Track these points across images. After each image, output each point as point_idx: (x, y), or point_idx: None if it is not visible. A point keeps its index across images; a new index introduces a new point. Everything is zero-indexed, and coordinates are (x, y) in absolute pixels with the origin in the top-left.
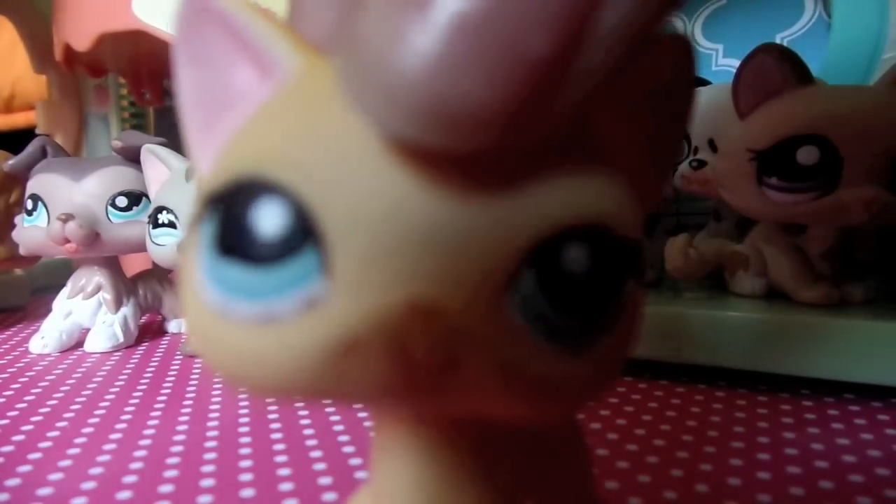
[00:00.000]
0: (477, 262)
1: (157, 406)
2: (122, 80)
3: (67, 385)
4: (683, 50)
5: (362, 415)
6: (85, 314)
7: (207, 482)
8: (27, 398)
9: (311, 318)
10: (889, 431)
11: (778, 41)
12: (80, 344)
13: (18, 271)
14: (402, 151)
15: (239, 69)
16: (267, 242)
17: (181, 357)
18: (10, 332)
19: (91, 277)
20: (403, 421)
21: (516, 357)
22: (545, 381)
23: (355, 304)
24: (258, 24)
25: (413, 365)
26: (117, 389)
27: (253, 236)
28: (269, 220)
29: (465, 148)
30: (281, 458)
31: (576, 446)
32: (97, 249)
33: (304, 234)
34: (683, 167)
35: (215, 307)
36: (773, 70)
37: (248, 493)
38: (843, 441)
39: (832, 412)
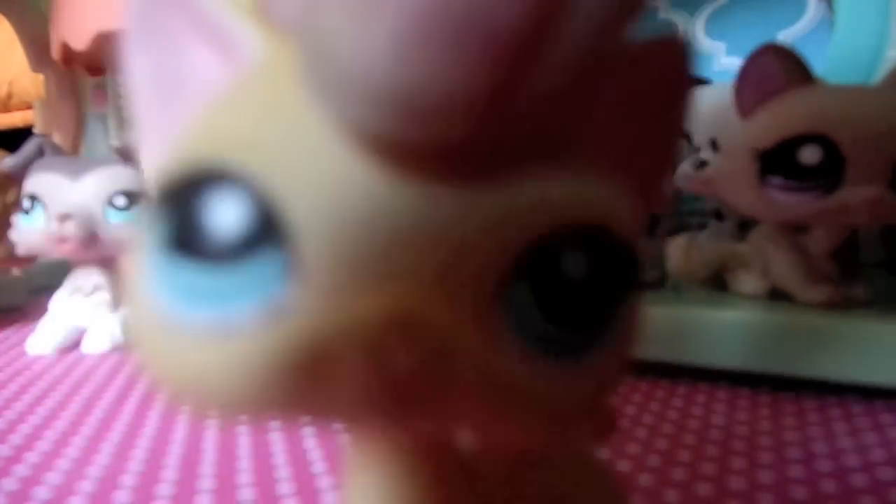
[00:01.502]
0: (463, 264)
1: (155, 407)
2: (120, 80)
3: (65, 386)
4: (678, 50)
5: None
6: (83, 314)
7: (205, 483)
8: (24, 399)
9: (274, 328)
10: (892, 433)
11: (780, 40)
12: (77, 344)
13: (16, 271)
14: (374, 142)
15: (197, 54)
16: (223, 238)
17: None
18: (7, 332)
19: (89, 277)
20: (379, 442)
21: (508, 371)
22: (539, 398)
23: (326, 310)
24: (220, 4)
25: (393, 380)
26: (115, 390)
27: (208, 231)
28: (226, 211)
29: (435, 139)
30: (279, 460)
31: (596, 490)
32: (95, 249)
33: (266, 229)
34: (685, 167)
35: (164, 316)
36: (776, 69)
37: (246, 494)
38: (846, 442)
39: (835, 413)
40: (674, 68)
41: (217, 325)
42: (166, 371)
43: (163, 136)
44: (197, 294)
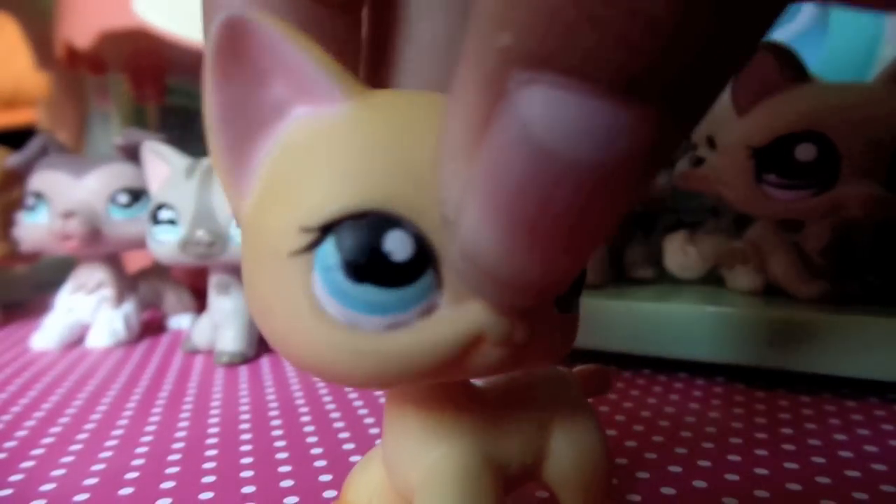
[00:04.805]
0: None
1: (158, 402)
2: (123, 78)
3: (69, 381)
4: None
5: (361, 412)
6: (86, 310)
7: (209, 478)
8: (29, 394)
9: (430, 322)
10: (886, 427)
11: (776, 38)
12: (81, 340)
13: (20, 268)
14: None
15: (272, 85)
16: (401, 268)
17: (182, 354)
18: (12, 328)
19: (93, 274)
20: (425, 386)
21: (551, 326)
22: (558, 334)
23: (469, 309)
24: (298, 43)
25: (514, 346)
26: (119, 386)
27: (388, 264)
28: (402, 249)
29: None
30: (282, 455)
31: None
32: (98, 246)
33: (426, 258)
34: (682, 164)
35: (343, 321)
36: (771, 67)
37: (249, 489)
38: (840, 437)
39: (829, 408)
40: None
41: (390, 325)
42: (343, 361)
43: (240, 164)
44: (377, 306)
